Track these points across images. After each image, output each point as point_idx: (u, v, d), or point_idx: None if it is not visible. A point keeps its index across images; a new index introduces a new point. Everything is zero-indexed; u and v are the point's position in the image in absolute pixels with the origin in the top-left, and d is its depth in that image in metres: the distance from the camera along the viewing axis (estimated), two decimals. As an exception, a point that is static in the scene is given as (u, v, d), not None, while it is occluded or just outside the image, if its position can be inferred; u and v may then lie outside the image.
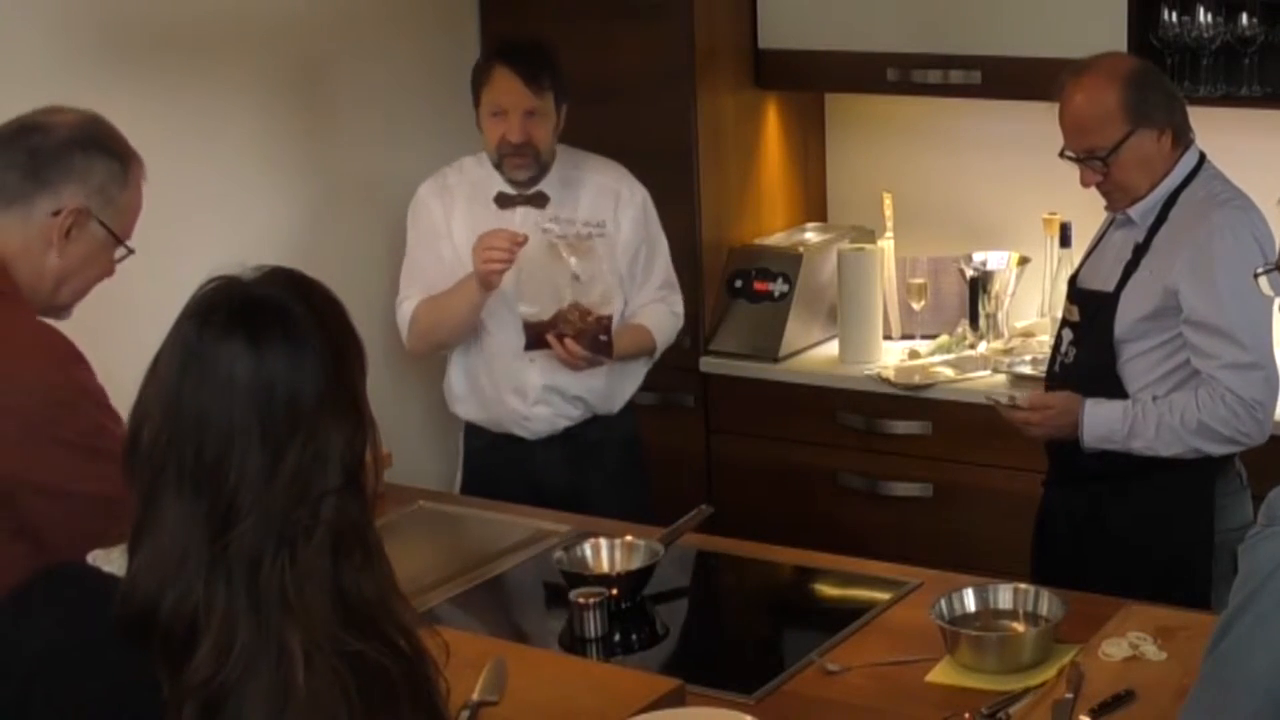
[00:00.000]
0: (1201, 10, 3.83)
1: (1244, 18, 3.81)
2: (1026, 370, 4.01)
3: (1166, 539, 3.12)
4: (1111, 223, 3.25)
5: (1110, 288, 3.14)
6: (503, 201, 3.63)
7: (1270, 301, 2.96)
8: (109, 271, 2.58)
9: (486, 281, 3.48)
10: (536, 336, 3.54)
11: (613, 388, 3.71)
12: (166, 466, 1.59)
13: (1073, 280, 3.31)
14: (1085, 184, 3.14)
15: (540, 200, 3.62)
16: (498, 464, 3.73)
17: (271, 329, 1.61)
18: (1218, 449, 3.07)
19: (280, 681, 1.56)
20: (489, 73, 3.56)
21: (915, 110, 4.51)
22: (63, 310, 2.56)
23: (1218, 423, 3.03)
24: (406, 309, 3.67)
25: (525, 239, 3.46)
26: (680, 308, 3.81)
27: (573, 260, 3.51)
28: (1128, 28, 3.86)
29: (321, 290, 1.69)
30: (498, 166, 3.61)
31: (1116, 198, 3.14)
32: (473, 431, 3.79)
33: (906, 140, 4.61)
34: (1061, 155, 3.14)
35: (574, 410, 3.67)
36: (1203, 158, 3.16)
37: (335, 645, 1.58)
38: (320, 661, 1.56)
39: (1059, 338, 3.28)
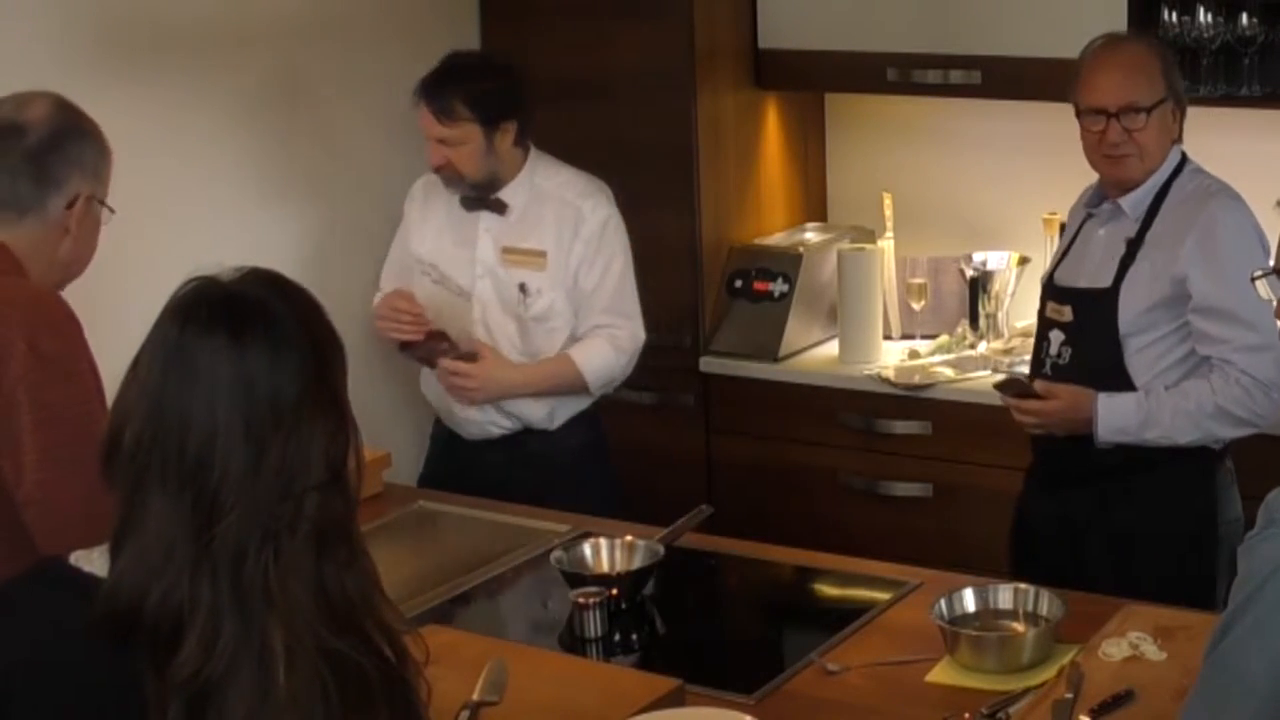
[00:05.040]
0: (1201, 10, 3.83)
1: (1244, 18, 3.81)
2: (1026, 370, 4.00)
3: (1161, 541, 3.12)
4: (1086, 219, 3.25)
5: (1104, 284, 3.14)
6: (467, 204, 3.63)
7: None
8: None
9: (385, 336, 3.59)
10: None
11: (553, 408, 3.64)
12: (150, 465, 1.60)
13: (1050, 280, 3.29)
14: (1109, 139, 3.10)
15: (499, 206, 3.60)
16: (450, 462, 3.74)
17: (253, 326, 1.62)
18: (1233, 432, 3.09)
19: (262, 678, 1.56)
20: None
21: (915, 110, 4.51)
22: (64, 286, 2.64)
23: (1234, 405, 3.04)
24: (377, 299, 3.68)
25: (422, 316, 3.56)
26: (629, 340, 3.60)
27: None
28: (1128, 28, 3.85)
29: (300, 290, 1.69)
30: None
31: (1130, 164, 3.12)
32: (437, 426, 3.82)
33: (906, 140, 4.60)
34: (1081, 114, 3.11)
35: (505, 421, 3.64)
36: (1183, 155, 3.18)
37: (317, 642, 1.58)
38: (302, 659, 1.57)
39: (1045, 339, 3.25)
